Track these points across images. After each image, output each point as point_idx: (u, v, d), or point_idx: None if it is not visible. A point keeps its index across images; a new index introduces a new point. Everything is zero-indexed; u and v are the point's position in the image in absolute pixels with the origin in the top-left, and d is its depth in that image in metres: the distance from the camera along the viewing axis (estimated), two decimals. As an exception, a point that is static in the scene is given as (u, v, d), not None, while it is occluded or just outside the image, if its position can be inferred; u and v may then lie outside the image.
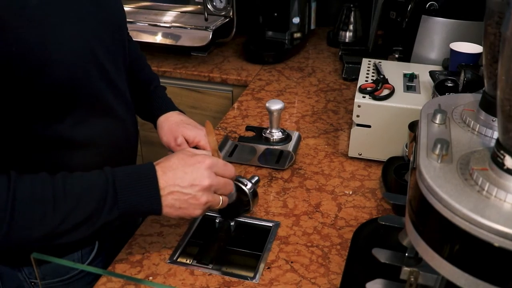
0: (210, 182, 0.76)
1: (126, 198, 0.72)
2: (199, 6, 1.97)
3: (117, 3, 0.93)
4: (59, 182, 0.70)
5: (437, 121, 0.69)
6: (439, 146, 0.60)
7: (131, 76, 0.99)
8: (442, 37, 1.37)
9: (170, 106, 1.09)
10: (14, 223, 0.66)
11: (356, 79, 1.26)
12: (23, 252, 0.81)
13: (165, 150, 1.02)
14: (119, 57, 0.89)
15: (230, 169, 0.82)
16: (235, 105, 1.49)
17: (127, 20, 1.58)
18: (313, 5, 2.04)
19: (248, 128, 1.24)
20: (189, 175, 0.76)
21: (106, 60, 0.82)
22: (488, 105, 0.68)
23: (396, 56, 1.52)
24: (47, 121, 0.75)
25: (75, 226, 0.70)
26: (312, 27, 2.08)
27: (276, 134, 1.17)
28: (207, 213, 1.02)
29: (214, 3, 1.93)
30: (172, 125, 1.01)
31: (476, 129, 0.67)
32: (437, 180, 0.56)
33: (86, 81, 0.77)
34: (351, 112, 1.24)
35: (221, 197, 0.80)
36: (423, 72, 1.25)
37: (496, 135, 0.63)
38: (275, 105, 1.12)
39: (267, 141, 1.17)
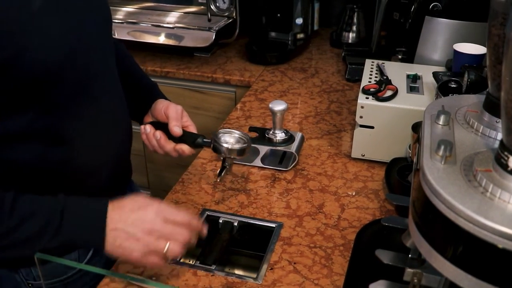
0: (152, 226, 0.75)
1: (70, 229, 0.73)
2: (202, 7, 1.97)
3: None
4: (10, 197, 0.70)
5: (441, 122, 0.69)
6: (442, 147, 0.60)
7: (125, 75, 0.99)
8: (445, 38, 1.37)
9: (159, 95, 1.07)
10: None
11: (359, 80, 1.26)
12: None
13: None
14: (106, 48, 0.89)
15: (181, 216, 0.79)
16: (238, 105, 1.49)
17: (131, 20, 1.60)
18: (316, 6, 2.04)
19: (251, 129, 1.24)
20: (134, 214, 0.75)
21: (91, 50, 0.81)
22: (492, 106, 0.68)
23: (400, 57, 1.52)
24: (30, 112, 0.74)
25: (13, 244, 0.71)
26: (315, 28, 2.07)
27: (279, 135, 1.17)
28: (209, 213, 1.02)
29: (217, 4, 1.93)
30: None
31: (480, 130, 0.67)
32: (441, 182, 0.56)
33: (69, 71, 0.76)
34: (354, 113, 1.24)
35: (167, 245, 0.75)
36: (426, 73, 1.25)
37: (500, 136, 0.63)
38: (278, 106, 1.12)
39: (270, 142, 1.17)
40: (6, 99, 0.71)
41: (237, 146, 0.94)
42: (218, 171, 0.98)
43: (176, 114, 0.93)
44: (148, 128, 0.92)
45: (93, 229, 0.74)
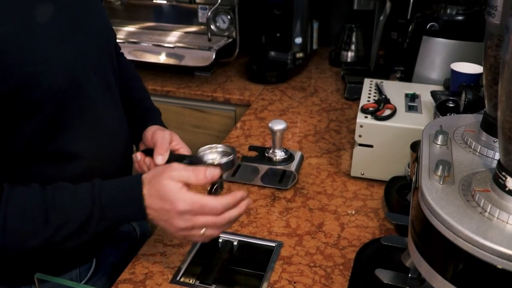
0: (184, 224, 0.76)
1: (113, 212, 0.75)
2: (202, 27, 1.99)
3: (103, 17, 0.93)
4: (49, 196, 0.73)
5: (439, 142, 0.70)
6: (441, 167, 0.60)
7: (125, 93, 1.01)
8: (443, 57, 1.39)
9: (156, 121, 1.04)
10: (7, 237, 0.69)
11: (358, 98, 1.27)
12: (21, 270, 0.84)
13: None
14: (108, 71, 0.90)
15: (212, 207, 0.78)
16: (238, 124, 1.50)
17: (132, 40, 1.62)
18: (315, 25, 2.06)
19: (251, 148, 1.25)
20: (165, 207, 0.76)
21: (94, 74, 0.83)
22: (489, 126, 0.69)
23: (398, 75, 1.53)
24: (36, 134, 0.76)
25: (66, 238, 0.73)
26: (314, 47, 2.10)
27: (279, 154, 1.17)
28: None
29: (217, 24, 1.95)
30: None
31: (478, 150, 0.68)
32: (439, 202, 0.56)
33: (73, 94, 0.78)
34: (353, 131, 1.25)
35: (203, 230, 0.78)
36: (424, 92, 1.26)
37: (497, 156, 0.64)
38: (278, 125, 1.13)
39: (270, 161, 1.18)
40: (13, 122, 0.72)
41: (222, 160, 0.89)
42: (208, 189, 0.88)
43: (162, 141, 0.89)
44: (139, 155, 0.91)
45: (133, 208, 0.76)
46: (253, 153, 1.24)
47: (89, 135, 0.84)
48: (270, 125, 1.14)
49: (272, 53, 1.93)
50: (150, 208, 0.76)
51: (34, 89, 0.71)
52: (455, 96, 1.10)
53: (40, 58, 0.72)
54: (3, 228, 0.69)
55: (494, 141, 0.68)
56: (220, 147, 0.93)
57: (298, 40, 1.91)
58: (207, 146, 0.92)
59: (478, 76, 1.20)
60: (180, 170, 0.78)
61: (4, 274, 0.87)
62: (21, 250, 0.74)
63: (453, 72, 1.24)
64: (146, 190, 0.76)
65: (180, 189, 0.76)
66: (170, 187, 0.76)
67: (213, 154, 0.92)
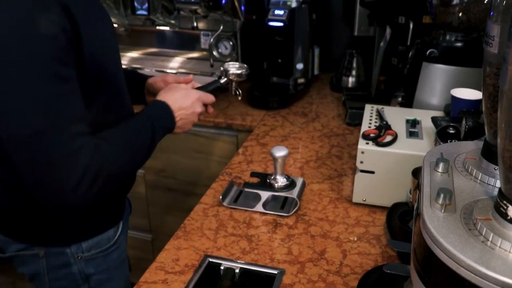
0: (194, 109, 1.11)
1: (161, 128, 1.03)
2: (205, 52, 2.02)
3: None
4: (128, 126, 0.97)
5: (440, 169, 0.70)
6: (442, 195, 0.60)
7: None
8: (443, 83, 1.40)
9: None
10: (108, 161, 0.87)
11: (360, 124, 1.27)
12: (71, 230, 1.01)
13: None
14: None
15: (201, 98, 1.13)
16: (240, 150, 1.51)
17: (135, 66, 1.79)
18: (316, 51, 2.09)
19: (253, 174, 1.25)
20: (180, 100, 1.08)
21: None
22: (489, 154, 0.69)
23: (399, 99, 1.54)
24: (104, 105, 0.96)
25: (147, 150, 0.98)
26: (316, 72, 2.12)
27: (281, 181, 1.18)
28: (211, 260, 1.02)
29: (219, 50, 1.98)
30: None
31: (479, 178, 0.68)
32: (441, 230, 0.56)
33: (120, 78, 1.01)
34: (355, 157, 1.25)
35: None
36: (425, 118, 1.26)
37: (498, 183, 0.64)
38: (280, 152, 1.13)
39: (271, 187, 1.18)
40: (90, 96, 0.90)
41: (241, 70, 1.25)
42: (232, 93, 1.28)
43: (175, 77, 1.23)
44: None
45: (170, 122, 1.05)
46: (255, 179, 1.24)
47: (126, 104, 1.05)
48: (271, 151, 1.14)
49: (274, 79, 1.95)
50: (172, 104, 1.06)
51: (108, 76, 0.95)
52: (456, 121, 1.11)
53: (114, 58, 0.98)
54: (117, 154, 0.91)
55: (495, 169, 0.68)
56: (238, 64, 1.27)
57: (300, 65, 1.93)
58: (229, 63, 1.27)
59: (478, 102, 1.21)
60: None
61: (60, 234, 1.00)
62: (135, 168, 1.02)
63: (453, 98, 1.25)
64: (165, 99, 1.06)
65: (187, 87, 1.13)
66: (180, 87, 1.12)
67: (234, 66, 1.26)
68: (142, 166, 1.01)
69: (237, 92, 1.28)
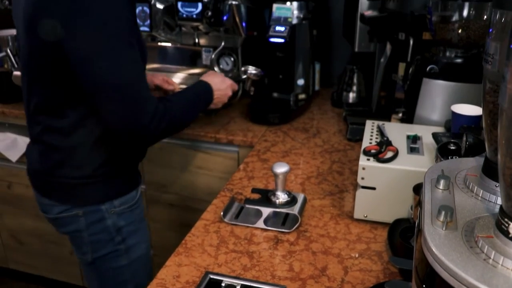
0: (227, 92, 1.46)
1: (204, 100, 1.37)
2: (206, 68, 2.03)
3: None
4: (186, 92, 1.34)
5: (441, 186, 0.70)
6: (443, 213, 0.60)
7: None
8: (443, 99, 1.40)
9: None
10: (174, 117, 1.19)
11: (360, 139, 1.28)
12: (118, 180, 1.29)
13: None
14: None
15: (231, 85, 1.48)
16: (241, 166, 1.51)
17: None
18: (317, 66, 2.10)
19: (254, 191, 1.25)
20: (219, 85, 1.42)
21: None
22: (490, 171, 0.69)
23: (400, 114, 1.54)
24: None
25: (194, 112, 1.30)
26: (316, 88, 2.13)
27: (282, 197, 1.18)
28: (212, 277, 1.01)
29: (221, 66, 1.99)
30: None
31: (480, 195, 0.68)
32: (443, 248, 0.56)
33: None
34: (356, 173, 1.25)
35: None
36: (426, 134, 1.27)
37: (500, 200, 0.64)
38: (281, 168, 1.13)
39: (273, 203, 1.18)
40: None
41: (257, 71, 1.64)
42: (247, 88, 1.65)
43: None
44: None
45: (210, 97, 1.39)
46: (256, 196, 1.24)
47: None
48: (272, 168, 1.14)
49: (275, 95, 1.96)
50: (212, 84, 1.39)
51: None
52: (457, 137, 1.11)
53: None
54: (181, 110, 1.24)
55: (496, 186, 0.68)
56: (254, 68, 1.63)
57: (300, 81, 1.94)
58: (247, 66, 1.64)
59: (478, 117, 1.21)
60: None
61: (97, 192, 1.26)
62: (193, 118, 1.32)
63: (454, 114, 1.25)
64: (207, 79, 1.41)
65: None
66: (218, 74, 1.48)
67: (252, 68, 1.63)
68: (189, 124, 1.32)
69: (251, 88, 1.64)
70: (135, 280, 1.37)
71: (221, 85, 1.41)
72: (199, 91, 1.35)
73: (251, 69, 1.60)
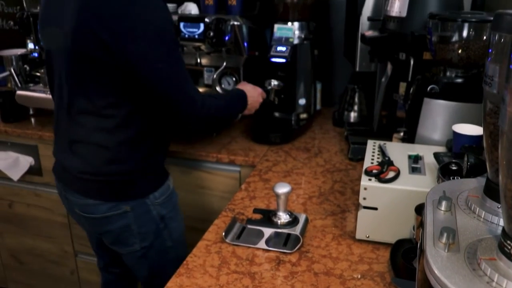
0: (258, 98, 1.64)
1: (241, 105, 1.55)
2: (208, 88, 2.04)
3: None
4: (226, 96, 1.59)
5: (443, 208, 0.70)
6: (445, 235, 0.60)
7: None
8: (444, 119, 1.40)
9: None
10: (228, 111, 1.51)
11: (362, 159, 1.28)
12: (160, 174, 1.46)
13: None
14: None
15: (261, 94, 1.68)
16: (243, 186, 1.51)
17: None
18: (318, 86, 2.11)
19: (256, 211, 1.25)
20: (252, 92, 1.61)
21: None
22: (492, 192, 0.69)
23: (401, 134, 1.54)
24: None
25: (232, 113, 1.54)
26: (318, 107, 2.13)
27: (284, 217, 1.17)
28: (214, 299, 1.01)
29: (222, 85, 2.00)
30: None
31: (482, 216, 0.68)
32: (445, 271, 0.56)
33: None
34: (357, 192, 1.24)
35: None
36: (427, 153, 1.27)
37: (502, 222, 0.63)
38: (282, 189, 1.13)
39: (274, 224, 1.18)
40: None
41: (278, 82, 1.82)
42: (272, 98, 1.84)
43: None
44: None
45: (245, 103, 1.55)
46: (258, 216, 1.24)
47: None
48: (274, 188, 1.14)
49: (276, 114, 1.96)
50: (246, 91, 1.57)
51: None
52: (458, 157, 1.11)
53: None
54: (225, 107, 1.48)
55: (498, 207, 0.68)
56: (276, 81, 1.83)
57: (302, 101, 1.95)
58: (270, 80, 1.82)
59: (480, 137, 1.21)
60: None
61: (143, 186, 1.38)
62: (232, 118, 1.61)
63: (455, 133, 1.25)
64: (241, 87, 1.59)
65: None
66: (249, 84, 1.65)
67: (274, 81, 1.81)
68: (229, 121, 1.72)
69: (275, 98, 1.84)
70: (177, 255, 1.47)
71: (253, 92, 1.58)
72: (236, 94, 1.53)
73: (273, 81, 1.79)
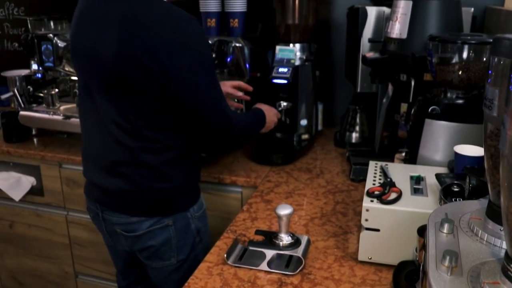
0: (274, 118, 1.68)
1: (260, 124, 1.60)
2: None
3: None
4: (248, 114, 1.62)
5: (445, 230, 0.69)
6: (448, 258, 0.60)
7: None
8: (446, 140, 1.40)
9: None
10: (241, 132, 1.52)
11: (364, 180, 1.27)
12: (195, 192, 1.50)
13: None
14: None
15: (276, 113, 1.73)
16: (245, 207, 1.50)
17: None
18: (320, 107, 2.12)
19: (258, 232, 1.25)
20: (269, 112, 1.65)
21: None
22: (494, 214, 0.69)
23: (403, 155, 1.54)
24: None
25: (253, 131, 1.60)
26: (319, 128, 2.14)
27: (286, 239, 1.17)
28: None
29: (224, 106, 2.00)
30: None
31: (485, 239, 0.68)
32: (448, 295, 0.55)
33: None
34: (360, 213, 1.24)
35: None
36: (429, 174, 1.27)
37: (505, 245, 0.63)
38: (284, 210, 1.13)
39: (276, 245, 1.17)
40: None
41: (287, 103, 1.90)
42: (283, 119, 1.91)
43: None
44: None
45: (264, 122, 1.60)
46: (259, 237, 1.24)
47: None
48: (276, 210, 1.14)
49: (278, 135, 1.96)
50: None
51: None
52: (460, 178, 1.11)
53: None
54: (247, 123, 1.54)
55: (500, 230, 0.67)
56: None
57: (304, 122, 1.95)
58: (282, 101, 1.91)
59: (481, 158, 1.20)
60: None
61: (184, 200, 1.44)
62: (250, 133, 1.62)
63: (457, 154, 1.25)
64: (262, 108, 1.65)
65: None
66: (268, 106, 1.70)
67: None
68: (253, 137, 1.79)
69: (286, 119, 1.92)
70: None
71: (270, 111, 1.64)
72: (257, 112, 1.60)
73: (283, 102, 1.88)
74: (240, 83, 1.73)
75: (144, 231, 1.39)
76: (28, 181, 2.10)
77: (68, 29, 2.22)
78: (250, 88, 1.73)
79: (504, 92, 0.59)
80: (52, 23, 2.40)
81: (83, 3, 1.37)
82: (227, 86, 1.68)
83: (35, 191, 2.12)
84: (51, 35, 2.09)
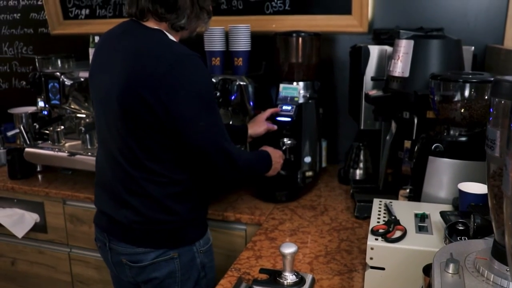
0: (280, 160, 1.68)
1: (265, 167, 1.62)
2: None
3: None
4: (254, 155, 1.63)
5: (450, 271, 0.69)
6: (454, 299, 0.59)
7: None
8: (449, 177, 1.41)
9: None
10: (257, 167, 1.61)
11: (368, 217, 1.27)
12: (202, 227, 1.50)
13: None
14: None
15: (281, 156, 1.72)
16: (249, 245, 1.50)
17: None
18: (324, 144, 2.13)
19: (262, 271, 1.23)
20: (274, 154, 1.66)
21: None
22: (500, 254, 0.68)
23: (407, 192, 1.54)
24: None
25: (258, 170, 1.63)
26: (323, 165, 2.14)
27: (290, 278, 1.16)
28: None
29: (228, 143, 2.02)
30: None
31: (491, 279, 0.67)
32: (455, 338, 0.54)
33: None
34: (364, 251, 1.23)
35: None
36: (434, 212, 1.26)
37: None
38: (288, 249, 1.13)
39: (281, 284, 1.15)
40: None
41: (291, 141, 1.90)
42: (288, 156, 1.90)
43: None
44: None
45: (270, 165, 1.62)
46: (264, 276, 1.22)
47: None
48: (280, 248, 1.13)
49: (282, 172, 1.96)
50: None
51: None
52: (465, 216, 1.10)
53: None
54: (253, 163, 1.57)
55: (507, 270, 0.67)
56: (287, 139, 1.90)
57: (307, 159, 1.96)
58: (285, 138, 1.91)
59: (486, 196, 1.20)
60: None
61: (190, 235, 1.44)
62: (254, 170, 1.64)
63: (461, 192, 1.25)
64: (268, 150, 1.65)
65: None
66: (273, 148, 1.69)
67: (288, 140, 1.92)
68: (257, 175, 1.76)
69: (291, 156, 1.92)
70: None
71: (275, 153, 1.65)
72: (262, 153, 1.62)
73: (286, 140, 1.88)
74: (271, 111, 1.83)
75: (149, 262, 1.40)
76: (31, 218, 2.10)
77: (75, 68, 2.26)
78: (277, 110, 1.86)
79: (506, 133, 0.59)
80: (59, 62, 2.45)
81: (103, 37, 1.44)
82: (262, 124, 1.80)
83: (38, 227, 2.11)
84: (58, 73, 2.13)
